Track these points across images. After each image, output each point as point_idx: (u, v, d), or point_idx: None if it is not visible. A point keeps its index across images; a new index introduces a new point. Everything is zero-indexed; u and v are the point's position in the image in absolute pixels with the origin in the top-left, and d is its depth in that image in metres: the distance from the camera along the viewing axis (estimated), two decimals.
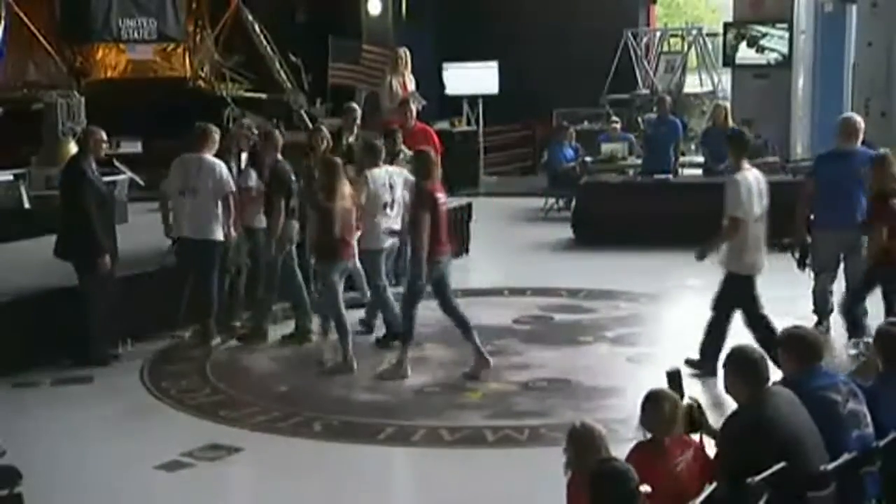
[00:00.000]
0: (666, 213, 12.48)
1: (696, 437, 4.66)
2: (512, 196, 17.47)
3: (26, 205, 12.63)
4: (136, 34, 18.12)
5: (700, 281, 9.54)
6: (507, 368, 8.43)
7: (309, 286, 9.46)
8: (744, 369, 4.65)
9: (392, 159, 9.63)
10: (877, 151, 8.74)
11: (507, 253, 13.52)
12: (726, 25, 18.76)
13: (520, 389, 8.01)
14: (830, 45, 17.37)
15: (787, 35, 17.83)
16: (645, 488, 4.00)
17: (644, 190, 13.70)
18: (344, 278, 8.81)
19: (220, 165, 9.08)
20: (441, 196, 8.26)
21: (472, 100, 18.43)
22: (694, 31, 20.20)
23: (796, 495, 4.31)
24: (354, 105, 11.38)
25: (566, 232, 13.76)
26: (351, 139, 10.48)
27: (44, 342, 8.51)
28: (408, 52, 13.67)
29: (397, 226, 9.01)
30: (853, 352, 8.15)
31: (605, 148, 16.26)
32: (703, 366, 7.71)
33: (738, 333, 7.73)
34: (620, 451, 4.40)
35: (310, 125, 14.53)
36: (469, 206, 13.05)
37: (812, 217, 8.86)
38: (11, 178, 12.83)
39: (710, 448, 4.65)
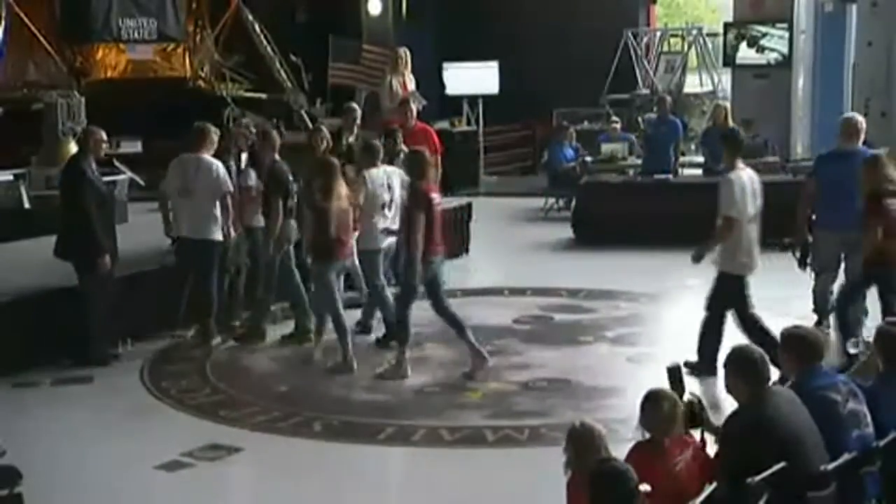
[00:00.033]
0: (666, 213, 12.46)
1: (696, 433, 4.67)
2: (512, 196, 17.47)
3: (26, 205, 12.63)
4: (136, 34, 18.11)
5: (700, 281, 9.48)
6: (507, 368, 8.43)
7: (307, 286, 9.45)
8: (744, 369, 4.66)
9: (392, 159, 9.63)
10: (876, 152, 8.74)
11: (507, 253, 13.51)
12: (726, 25, 18.76)
13: (520, 389, 8.00)
14: (830, 45, 17.36)
15: (787, 35, 17.84)
16: (644, 488, 4.00)
17: (644, 190, 13.69)
18: (341, 277, 8.79)
19: (218, 165, 9.07)
20: (436, 196, 8.26)
21: (473, 100, 18.43)
22: (694, 31, 20.21)
23: (796, 495, 4.32)
24: (354, 105, 11.36)
25: (566, 232, 13.76)
26: (351, 139, 10.46)
27: (44, 342, 8.51)
28: (408, 52, 13.68)
29: (395, 226, 9.00)
30: (853, 351, 8.13)
31: (605, 148, 16.24)
32: (703, 367, 7.70)
33: (738, 333, 7.74)
34: (620, 450, 4.42)
35: (310, 125, 14.53)
36: (469, 205, 13.05)
37: (813, 217, 8.86)
38: (11, 178, 12.84)
39: (712, 444, 4.65)
